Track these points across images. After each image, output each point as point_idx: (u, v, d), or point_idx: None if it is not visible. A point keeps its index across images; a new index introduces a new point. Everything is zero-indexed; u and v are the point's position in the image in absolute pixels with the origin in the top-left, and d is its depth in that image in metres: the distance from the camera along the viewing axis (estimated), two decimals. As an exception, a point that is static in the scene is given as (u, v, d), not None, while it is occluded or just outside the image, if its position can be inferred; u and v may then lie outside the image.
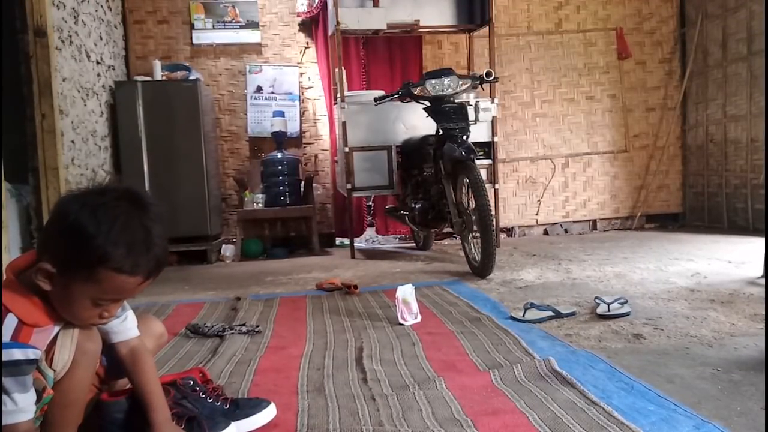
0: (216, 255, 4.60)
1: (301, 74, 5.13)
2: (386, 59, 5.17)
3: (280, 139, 4.80)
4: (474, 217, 3.25)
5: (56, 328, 1.06)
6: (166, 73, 4.59)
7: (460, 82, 3.54)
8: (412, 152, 4.07)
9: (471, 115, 3.89)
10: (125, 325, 1.21)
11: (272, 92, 5.06)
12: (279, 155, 4.75)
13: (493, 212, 3.16)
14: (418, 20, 4.72)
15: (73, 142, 3.71)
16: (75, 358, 1.07)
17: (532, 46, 5.34)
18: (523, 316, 2.28)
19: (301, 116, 5.13)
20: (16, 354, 0.98)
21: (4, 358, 0.96)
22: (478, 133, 4.28)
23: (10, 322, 1.00)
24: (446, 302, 2.63)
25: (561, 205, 5.45)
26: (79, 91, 3.86)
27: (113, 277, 1.01)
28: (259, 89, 5.05)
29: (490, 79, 3.58)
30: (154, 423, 1.18)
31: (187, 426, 1.24)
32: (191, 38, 4.97)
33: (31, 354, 0.99)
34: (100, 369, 1.31)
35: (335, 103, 4.77)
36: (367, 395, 1.53)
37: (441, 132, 3.53)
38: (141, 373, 1.21)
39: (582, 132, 5.44)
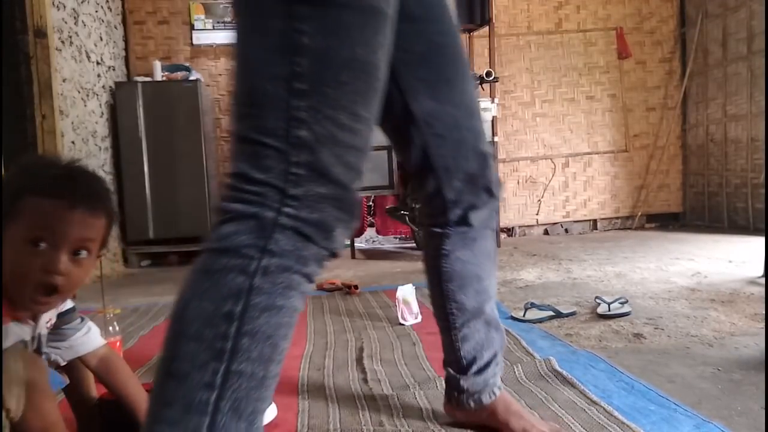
0: (216, 255, 4.58)
1: (301, 74, 5.13)
2: (386, 59, 5.16)
3: (280, 140, 4.78)
4: (474, 217, 3.24)
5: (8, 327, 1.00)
6: (166, 73, 4.59)
7: (460, 82, 3.53)
8: (412, 152, 4.06)
9: (471, 115, 3.88)
10: (89, 336, 1.17)
11: (272, 92, 5.05)
12: (279, 155, 4.74)
13: (493, 212, 3.15)
14: (418, 20, 4.71)
15: (73, 142, 3.71)
16: (28, 396, 0.95)
17: (532, 45, 5.34)
18: (524, 315, 2.28)
19: (301, 116, 5.12)
20: None
21: None
22: (478, 133, 4.27)
23: None
24: (447, 302, 2.63)
25: (561, 204, 5.45)
26: (79, 92, 3.86)
27: (36, 204, 0.96)
28: (259, 89, 5.03)
29: (490, 79, 3.59)
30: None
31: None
32: (191, 39, 4.97)
33: None
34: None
35: (335, 104, 4.76)
36: (367, 395, 1.53)
37: (441, 132, 3.52)
38: (117, 379, 1.18)
39: (582, 132, 5.44)
